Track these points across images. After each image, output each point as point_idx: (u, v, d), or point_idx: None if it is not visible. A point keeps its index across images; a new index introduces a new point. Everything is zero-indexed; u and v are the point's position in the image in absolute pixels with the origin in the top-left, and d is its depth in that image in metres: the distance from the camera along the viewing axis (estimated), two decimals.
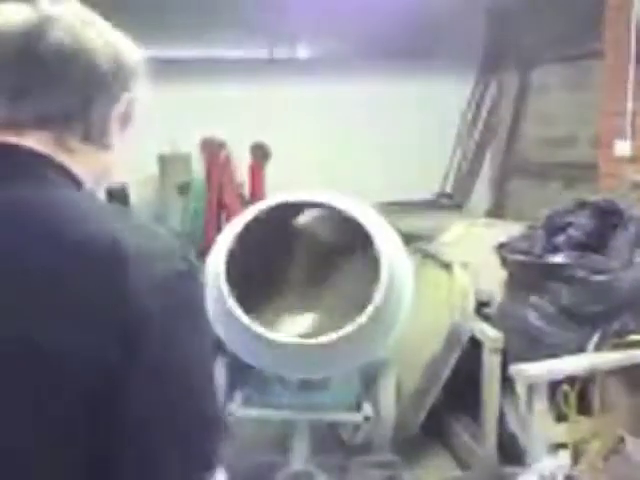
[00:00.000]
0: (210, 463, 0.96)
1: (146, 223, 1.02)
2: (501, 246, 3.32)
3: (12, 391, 0.89)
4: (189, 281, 0.97)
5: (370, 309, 2.66)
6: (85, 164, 1.05)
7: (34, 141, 1.00)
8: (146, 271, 0.92)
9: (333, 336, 2.64)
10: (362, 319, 2.66)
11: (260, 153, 5.41)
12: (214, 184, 5.27)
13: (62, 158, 1.01)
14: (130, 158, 1.16)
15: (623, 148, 4.12)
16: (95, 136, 1.04)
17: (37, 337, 0.89)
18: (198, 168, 5.40)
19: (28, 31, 0.99)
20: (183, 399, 0.93)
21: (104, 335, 0.89)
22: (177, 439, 0.92)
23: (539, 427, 2.67)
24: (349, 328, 2.66)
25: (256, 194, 5.30)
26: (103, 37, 1.04)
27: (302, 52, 5.83)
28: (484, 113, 6.06)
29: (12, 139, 0.99)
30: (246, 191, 5.47)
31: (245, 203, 4.80)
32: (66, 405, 0.89)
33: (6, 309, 0.90)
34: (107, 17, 1.08)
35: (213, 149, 5.28)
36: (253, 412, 3.08)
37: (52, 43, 0.99)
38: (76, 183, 1.03)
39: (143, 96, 1.11)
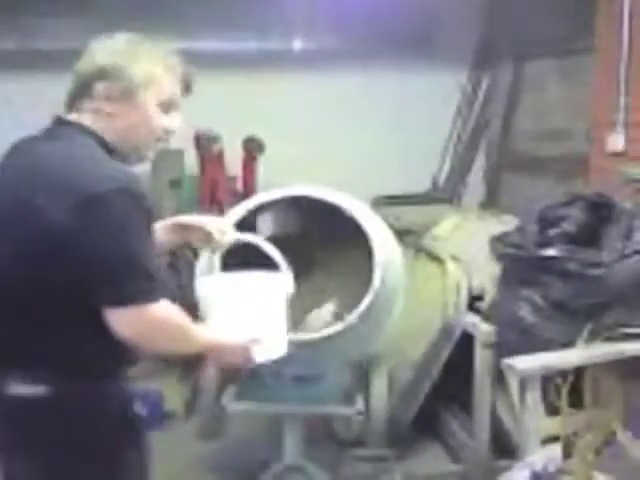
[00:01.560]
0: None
1: (109, 168, 1.62)
2: (494, 240, 3.32)
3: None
4: (122, 195, 1.55)
5: (360, 309, 2.66)
6: (117, 122, 1.70)
7: (84, 113, 1.70)
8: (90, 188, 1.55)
9: (321, 334, 2.64)
10: (352, 319, 2.65)
11: (253, 147, 5.38)
12: (207, 178, 5.25)
13: (100, 122, 1.69)
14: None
15: (616, 142, 4.12)
16: (116, 97, 1.69)
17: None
18: (190, 163, 5.37)
19: (87, 55, 1.72)
20: (116, 246, 1.56)
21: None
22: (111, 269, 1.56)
23: (531, 421, 2.68)
24: (339, 326, 2.66)
25: (249, 188, 5.29)
26: (134, 55, 1.69)
27: (297, 44, 5.81)
28: (477, 106, 6.05)
29: (72, 117, 1.71)
30: (239, 185, 5.45)
31: (238, 197, 4.78)
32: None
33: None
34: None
35: (206, 143, 5.25)
36: (246, 406, 3.08)
37: (92, 63, 1.69)
38: (104, 145, 1.68)
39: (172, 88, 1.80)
